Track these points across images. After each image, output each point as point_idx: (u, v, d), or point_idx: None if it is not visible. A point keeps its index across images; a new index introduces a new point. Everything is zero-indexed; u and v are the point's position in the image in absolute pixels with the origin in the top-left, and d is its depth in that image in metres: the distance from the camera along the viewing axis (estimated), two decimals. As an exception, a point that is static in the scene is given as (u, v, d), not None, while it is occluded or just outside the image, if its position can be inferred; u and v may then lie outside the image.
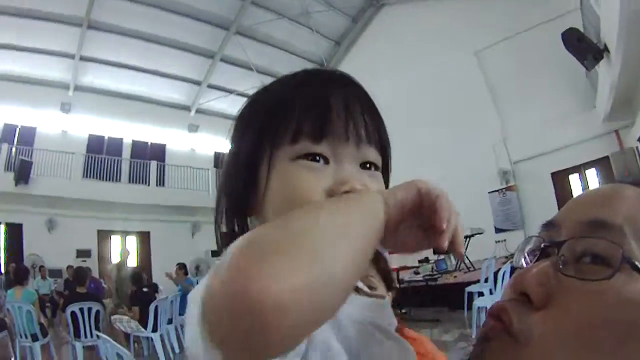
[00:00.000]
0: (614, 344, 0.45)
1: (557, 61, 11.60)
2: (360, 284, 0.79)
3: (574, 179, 12.98)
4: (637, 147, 10.68)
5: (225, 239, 0.69)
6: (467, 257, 11.38)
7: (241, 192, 0.68)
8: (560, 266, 0.50)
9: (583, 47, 8.91)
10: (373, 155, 0.67)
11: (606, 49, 8.43)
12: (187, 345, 0.45)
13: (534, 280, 0.51)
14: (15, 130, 15.31)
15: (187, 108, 19.56)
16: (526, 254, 0.58)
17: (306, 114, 0.63)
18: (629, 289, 0.46)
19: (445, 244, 0.56)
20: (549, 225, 0.59)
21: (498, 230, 13.72)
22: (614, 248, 0.47)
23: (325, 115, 0.63)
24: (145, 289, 8.20)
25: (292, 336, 0.40)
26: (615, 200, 0.54)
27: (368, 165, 0.67)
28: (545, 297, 0.50)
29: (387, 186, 0.72)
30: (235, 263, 0.38)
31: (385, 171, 0.74)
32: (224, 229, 0.71)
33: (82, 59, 15.93)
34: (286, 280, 0.37)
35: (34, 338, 6.71)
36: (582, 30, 9.32)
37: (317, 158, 0.63)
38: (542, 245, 0.56)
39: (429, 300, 10.30)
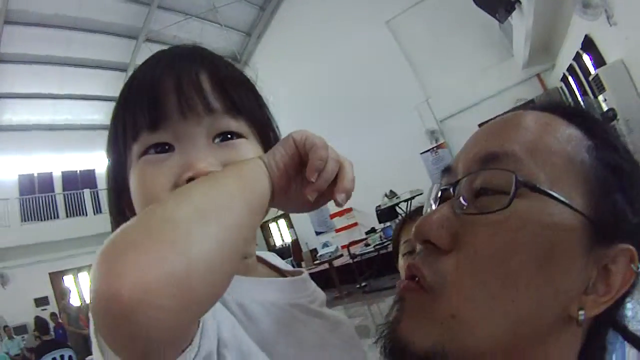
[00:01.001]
0: (532, 270, 0.46)
1: (469, 18, 11.89)
2: (279, 262, 0.81)
3: (502, 126, 13.37)
4: (560, 87, 11.11)
5: None
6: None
7: (117, 204, 0.65)
8: (460, 205, 0.51)
9: (493, 1, 9.07)
10: (229, 124, 0.63)
11: (517, 0, 8.61)
12: None
13: (435, 225, 0.50)
14: None
15: (106, 127, 18.86)
16: (432, 203, 0.58)
17: (139, 103, 0.60)
18: (532, 211, 0.47)
19: (314, 197, 0.58)
20: (446, 170, 0.59)
21: (437, 188, 14.07)
22: (507, 175, 0.47)
23: (155, 99, 0.59)
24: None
25: (171, 327, 0.39)
26: (507, 129, 0.54)
27: (230, 136, 0.63)
28: (450, 240, 0.50)
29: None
30: (97, 267, 0.38)
31: (266, 134, 0.70)
32: None
33: (-2, 96, 15.22)
34: (141, 275, 0.36)
35: None
36: (489, -16, 9.41)
37: (167, 147, 0.60)
38: (440, 189, 0.57)
39: (385, 269, 10.40)
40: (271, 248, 20.33)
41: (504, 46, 12.74)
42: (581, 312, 0.48)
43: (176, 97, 0.59)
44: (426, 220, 0.52)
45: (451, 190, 0.53)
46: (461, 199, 0.51)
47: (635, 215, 0.50)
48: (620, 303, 0.51)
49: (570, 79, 10.23)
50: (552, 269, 0.46)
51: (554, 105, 0.58)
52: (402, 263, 1.40)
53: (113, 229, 0.55)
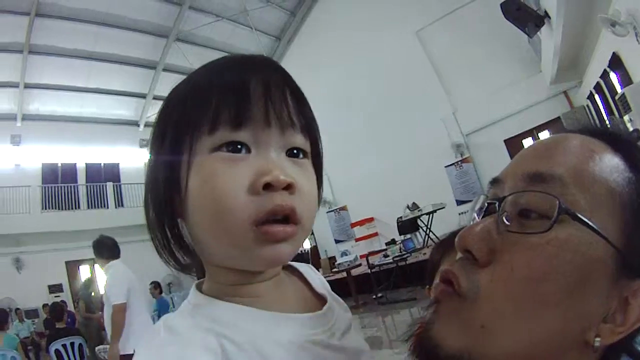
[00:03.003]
0: (562, 295, 0.47)
1: (499, 31, 11.90)
2: (313, 276, 0.80)
3: (528, 143, 13.19)
4: (587, 105, 10.98)
5: (162, 249, 0.66)
6: (432, 232, 11.65)
7: (164, 194, 0.62)
8: (503, 222, 0.52)
9: (523, 16, 9.01)
10: (300, 141, 0.64)
11: (547, 15, 8.58)
12: None
13: (476, 238, 0.52)
14: None
15: (135, 123, 19.17)
16: (475, 213, 0.59)
17: (224, 99, 0.59)
18: (571, 239, 0.48)
19: None
20: (495, 182, 0.60)
21: (459, 202, 13.90)
22: (552, 200, 0.49)
23: (244, 99, 0.59)
24: None
25: None
26: (556, 150, 0.55)
27: (295, 152, 0.63)
28: (488, 254, 0.51)
29: (319, 172, 0.69)
30: None
31: (316, 157, 0.70)
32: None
33: (27, 86, 15.43)
34: None
35: None
36: (520, -2, 9.45)
37: (239, 147, 0.59)
38: (486, 203, 0.58)
39: (402, 281, 10.42)
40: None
41: (532, 61, 12.66)
42: (597, 339, 0.49)
43: (264, 103, 0.59)
44: (469, 232, 0.53)
45: (497, 205, 0.54)
46: (505, 216, 0.52)
47: None
48: (636, 333, 0.52)
49: (596, 97, 10.08)
50: (580, 296, 0.47)
51: (603, 132, 0.58)
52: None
53: (157, 230, 0.64)
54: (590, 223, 0.47)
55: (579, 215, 0.48)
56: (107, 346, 7.56)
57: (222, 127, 0.58)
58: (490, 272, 0.50)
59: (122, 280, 4.49)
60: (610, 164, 0.52)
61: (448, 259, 1.18)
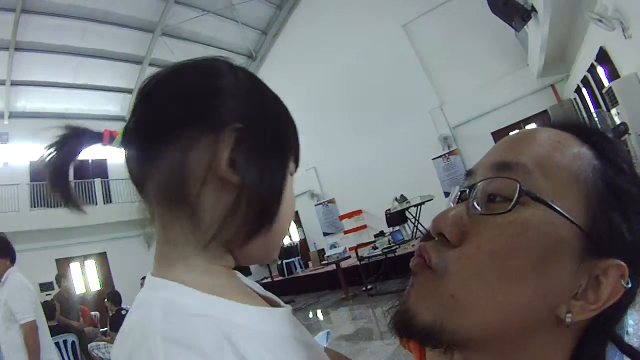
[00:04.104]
0: (527, 270, 0.51)
1: (485, 25, 11.99)
2: (269, 293, 0.83)
3: (516, 134, 13.36)
4: (574, 99, 11.09)
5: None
6: (421, 224, 11.72)
7: (270, 200, 0.65)
8: (474, 206, 0.56)
9: (510, 10, 9.06)
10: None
11: (533, 9, 8.62)
12: None
13: (449, 221, 0.56)
14: None
15: (122, 119, 18.96)
16: (451, 202, 0.64)
17: (298, 142, 0.73)
18: (533, 218, 0.52)
19: None
20: (468, 174, 0.64)
21: (447, 194, 13.92)
22: (514, 184, 0.53)
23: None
24: (123, 311, 7.61)
25: None
26: (523, 142, 0.59)
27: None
28: (459, 236, 0.55)
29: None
30: None
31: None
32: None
33: (13, 83, 15.30)
34: None
35: None
36: (506, -8, 9.43)
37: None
38: (459, 191, 0.63)
39: (391, 273, 10.49)
40: (279, 246, 20.56)
41: (519, 55, 12.77)
42: (568, 315, 0.52)
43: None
44: (443, 216, 0.58)
45: (467, 192, 0.59)
46: (475, 201, 0.56)
47: (631, 234, 0.53)
48: (615, 316, 0.55)
49: (584, 90, 10.19)
50: (544, 271, 0.51)
51: (571, 125, 0.62)
52: None
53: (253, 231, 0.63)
54: (550, 203, 0.52)
55: (538, 196, 0.52)
56: (101, 343, 7.62)
57: (296, 161, 0.72)
58: (459, 252, 0.54)
59: (27, 293, 3.74)
60: (574, 153, 0.56)
61: None
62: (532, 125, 12.39)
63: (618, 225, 0.53)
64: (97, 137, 0.67)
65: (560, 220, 0.51)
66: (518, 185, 0.53)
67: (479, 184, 0.57)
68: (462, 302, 0.52)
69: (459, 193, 0.63)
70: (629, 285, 0.51)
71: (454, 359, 0.60)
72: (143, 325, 0.52)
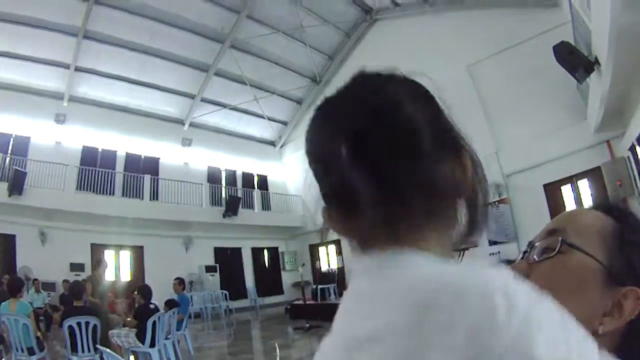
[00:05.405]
0: (570, 294, 0.69)
1: (549, 74, 11.73)
2: None
3: (566, 190, 13.08)
4: (628, 157, 10.81)
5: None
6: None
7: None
8: (533, 258, 0.80)
9: (574, 60, 8.95)
10: None
11: (597, 62, 8.48)
12: None
13: (516, 268, 0.78)
14: (10, 140, 14.96)
15: (180, 122, 19.43)
16: (519, 257, 0.86)
17: None
18: (571, 260, 0.74)
19: None
20: (529, 244, 0.85)
21: (492, 243, 13.68)
22: (557, 240, 0.76)
23: None
24: (152, 305, 7.71)
25: None
26: (566, 217, 0.84)
27: None
28: (523, 277, 0.66)
29: None
30: None
31: None
32: None
33: (77, 69, 15.79)
34: None
35: (31, 352, 6.47)
36: (573, 43, 9.37)
37: None
38: (524, 250, 0.85)
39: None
40: (316, 271, 20.59)
41: (579, 107, 12.46)
42: (601, 327, 0.71)
43: None
44: (514, 267, 0.80)
45: (529, 249, 0.83)
46: (534, 254, 0.80)
47: None
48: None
49: (638, 149, 9.91)
50: (579, 296, 0.72)
51: (600, 205, 0.86)
52: None
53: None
54: (580, 247, 0.74)
55: (573, 244, 0.75)
56: (122, 330, 7.61)
57: None
58: None
59: None
60: (600, 221, 0.80)
61: None
62: (584, 181, 12.60)
63: (632, 262, 0.74)
64: None
65: (589, 260, 0.73)
66: (560, 239, 0.76)
67: (537, 243, 0.82)
68: None
69: (523, 251, 0.85)
70: None
71: None
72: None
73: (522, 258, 0.85)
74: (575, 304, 0.64)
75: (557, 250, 0.75)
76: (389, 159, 0.63)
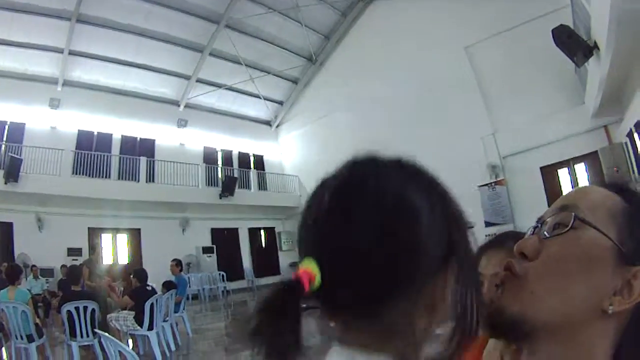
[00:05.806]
0: (582, 272, 0.70)
1: (547, 57, 11.74)
2: None
3: (563, 173, 13.16)
4: (625, 143, 10.82)
5: None
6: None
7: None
8: (544, 234, 0.77)
9: (573, 44, 8.94)
10: None
11: (596, 46, 8.46)
12: None
13: (528, 244, 0.77)
14: (4, 127, 14.87)
15: (175, 103, 19.35)
16: (529, 232, 0.84)
17: None
18: (582, 236, 0.72)
19: None
20: (539, 219, 0.84)
21: (488, 224, 13.69)
22: (570, 215, 0.74)
23: None
24: (148, 287, 7.77)
25: None
26: (577, 194, 0.82)
27: None
28: (534, 253, 0.75)
29: None
30: None
31: None
32: None
33: (71, 53, 15.63)
34: None
35: (30, 339, 6.48)
36: (572, 27, 9.33)
37: None
38: (533, 225, 0.84)
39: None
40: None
41: (576, 91, 12.49)
42: (610, 307, 0.69)
43: None
44: (524, 241, 0.79)
45: (539, 225, 0.82)
46: (545, 230, 0.78)
47: None
48: None
49: (635, 135, 9.90)
50: (592, 273, 0.70)
51: (609, 184, 0.84)
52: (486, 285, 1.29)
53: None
54: (593, 224, 0.72)
55: (586, 219, 0.73)
56: (120, 314, 7.65)
57: None
58: (534, 262, 0.74)
59: None
60: (610, 199, 0.78)
61: (486, 261, 1.44)
62: (581, 165, 12.68)
63: None
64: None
65: (601, 237, 0.72)
66: (573, 215, 0.74)
67: (547, 219, 0.80)
68: (538, 295, 0.72)
69: (533, 226, 0.84)
70: None
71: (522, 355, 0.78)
72: None
73: (532, 234, 0.83)
74: (586, 281, 0.70)
75: (570, 226, 0.74)
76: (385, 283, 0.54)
